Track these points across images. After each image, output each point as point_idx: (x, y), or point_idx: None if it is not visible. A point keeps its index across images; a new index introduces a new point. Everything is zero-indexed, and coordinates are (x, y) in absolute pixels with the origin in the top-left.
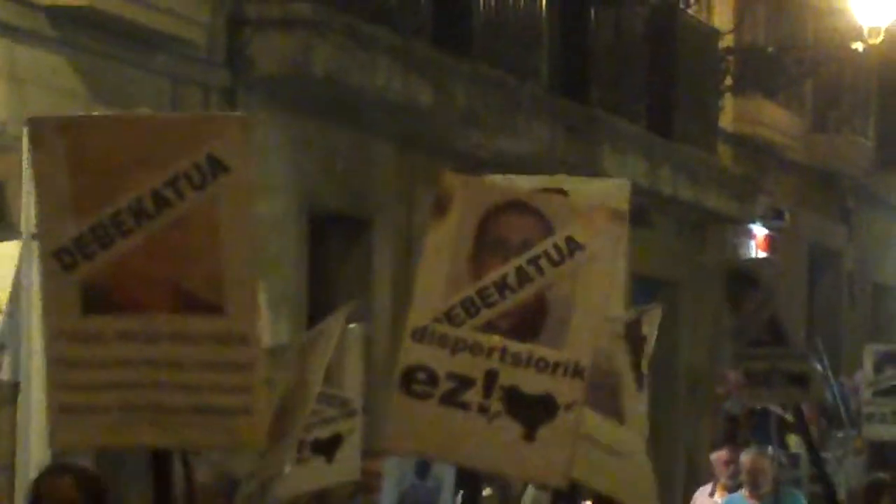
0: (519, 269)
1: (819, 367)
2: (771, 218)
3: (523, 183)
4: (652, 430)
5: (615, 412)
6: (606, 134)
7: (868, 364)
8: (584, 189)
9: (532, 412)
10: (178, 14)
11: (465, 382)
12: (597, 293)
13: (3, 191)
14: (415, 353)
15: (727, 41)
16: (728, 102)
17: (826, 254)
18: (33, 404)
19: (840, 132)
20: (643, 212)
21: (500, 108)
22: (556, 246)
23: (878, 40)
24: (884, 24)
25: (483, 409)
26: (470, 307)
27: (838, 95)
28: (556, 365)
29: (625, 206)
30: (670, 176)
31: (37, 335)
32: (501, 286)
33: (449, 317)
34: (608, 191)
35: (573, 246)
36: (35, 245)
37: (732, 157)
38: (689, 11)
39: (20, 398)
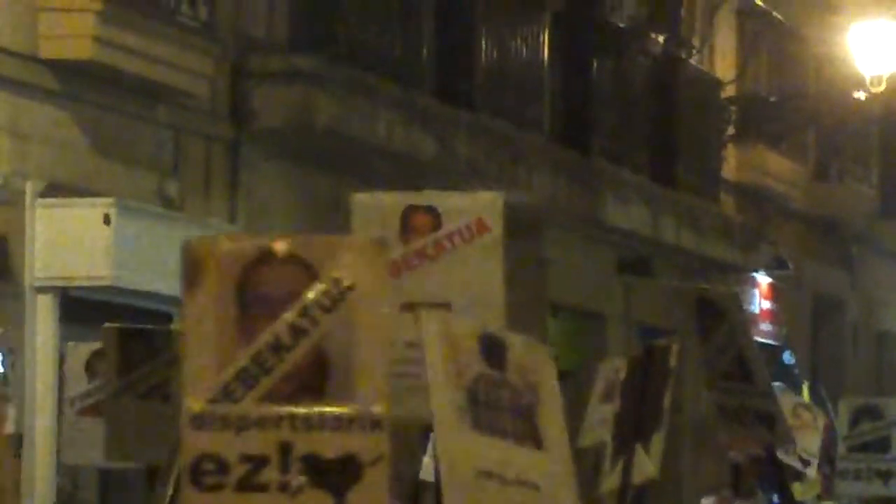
0: (291, 325)
1: (825, 414)
2: (774, 266)
3: (391, 199)
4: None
5: (530, 436)
6: (609, 184)
7: (843, 419)
8: (456, 204)
9: (337, 478)
10: (181, 67)
11: (259, 462)
12: (378, 333)
13: (6, 245)
14: (197, 443)
15: (729, 91)
16: (730, 151)
17: (830, 302)
18: (37, 456)
19: (843, 180)
20: (646, 261)
21: (503, 158)
22: (324, 291)
23: (880, 89)
24: (886, 72)
25: (284, 487)
26: (247, 378)
27: (841, 144)
28: (351, 421)
29: (498, 220)
30: (673, 225)
31: (41, 389)
32: (276, 347)
33: (226, 394)
34: (481, 204)
35: (342, 287)
36: (39, 299)
37: (735, 206)
38: (691, 61)
39: (25, 450)
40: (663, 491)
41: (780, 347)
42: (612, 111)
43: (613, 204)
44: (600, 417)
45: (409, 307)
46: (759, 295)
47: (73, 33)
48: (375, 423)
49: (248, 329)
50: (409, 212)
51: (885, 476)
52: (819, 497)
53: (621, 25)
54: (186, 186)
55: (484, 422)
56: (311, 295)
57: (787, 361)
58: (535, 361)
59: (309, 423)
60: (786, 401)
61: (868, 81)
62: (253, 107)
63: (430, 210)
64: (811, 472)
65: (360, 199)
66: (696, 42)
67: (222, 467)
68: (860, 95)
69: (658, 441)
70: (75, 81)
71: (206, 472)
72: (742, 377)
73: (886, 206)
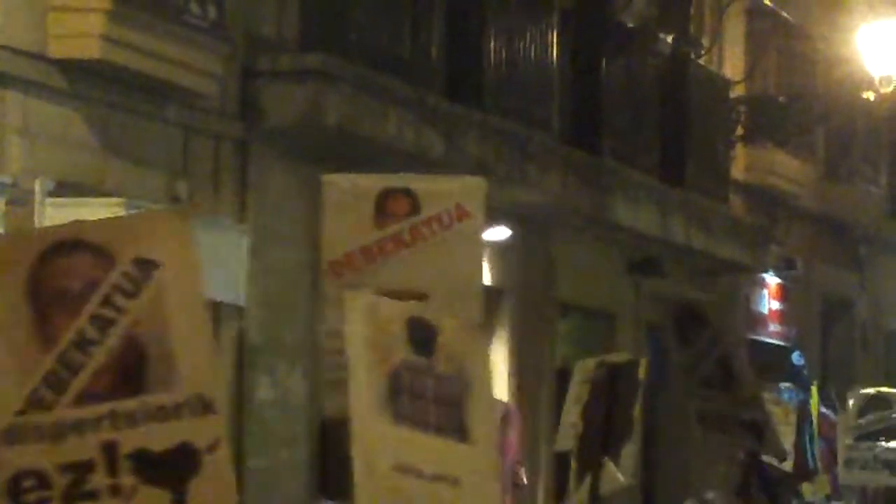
0: (95, 317)
1: (831, 414)
2: (783, 267)
3: (366, 182)
4: (664, 479)
5: (457, 429)
6: (618, 184)
7: (852, 408)
8: (435, 188)
9: (172, 471)
10: (191, 66)
11: (83, 469)
12: (194, 310)
13: None
14: (12, 459)
15: (738, 91)
16: (739, 152)
17: (839, 302)
18: None
19: (851, 181)
20: (656, 261)
21: (512, 158)
22: (125, 275)
23: (889, 89)
24: (895, 72)
25: (116, 491)
26: (55, 382)
27: (850, 144)
28: (179, 407)
29: (479, 206)
30: (682, 225)
31: None
32: (81, 343)
33: (34, 403)
34: (462, 189)
35: (146, 267)
36: None
37: (744, 206)
38: (700, 61)
39: None
40: (673, 494)
41: (789, 348)
42: (621, 111)
43: (623, 204)
44: (574, 420)
45: (385, 295)
46: (768, 295)
47: (82, 33)
48: (206, 406)
49: (49, 329)
50: (384, 195)
51: (892, 465)
52: (828, 497)
53: (630, 25)
54: (196, 185)
55: (406, 413)
56: (111, 282)
57: (795, 362)
58: (467, 347)
59: (132, 418)
60: None
61: (877, 82)
62: (262, 106)
63: (408, 193)
64: (787, 466)
65: (333, 180)
66: (705, 42)
67: (43, 481)
68: (869, 96)
69: (629, 451)
70: (84, 81)
71: (26, 489)
72: (725, 385)
73: (895, 207)
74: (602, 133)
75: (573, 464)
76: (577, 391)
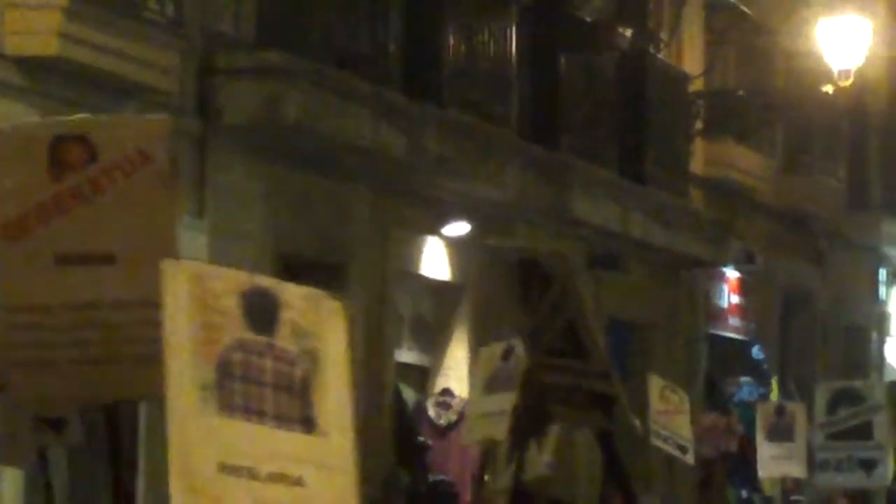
0: None
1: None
2: (743, 261)
3: (35, 129)
4: (624, 473)
5: (300, 417)
6: (578, 179)
7: (821, 403)
8: (112, 133)
9: None
10: (149, 63)
11: None
12: None
13: None
14: None
15: (697, 85)
16: (699, 146)
17: (799, 296)
18: None
19: (811, 175)
20: (616, 256)
21: (472, 154)
22: None
23: (847, 83)
24: (853, 66)
25: None
26: None
27: (809, 138)
28: None
29: (162, 149)
30: (642, 220)
31: None
32: None
33: None
34: (142, 131)
35: None
36: None
37: (704, 200)
38: (659, 56)
39: None
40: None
41: (749, 342)
42: (579, 106)
43: (582, 199)
44: (486, 411)
45: (66, 260)
46: (728, 289)
47: (39, 29)
48: None
49: None
50: (57, 143)
51: (867, 466)
52: (786, 492)
53: (588, 20)
54: None
55: (237, 402)
56: None
57: (755, 356)
58: (319, 321)
59: None
60: (653, 384)
61: (836, 76)
62: (220, 102)
63: (82, 140)
64: (690, 458)
65: None
66: (663, 36)
67: None
68: (828, 89)
69: (554, 434)
70: (42, 78)
71: None
72: (575, 353)
73: (854, 200)
74: (561, 128)
75: (507, 441)
76: (484, 378)
